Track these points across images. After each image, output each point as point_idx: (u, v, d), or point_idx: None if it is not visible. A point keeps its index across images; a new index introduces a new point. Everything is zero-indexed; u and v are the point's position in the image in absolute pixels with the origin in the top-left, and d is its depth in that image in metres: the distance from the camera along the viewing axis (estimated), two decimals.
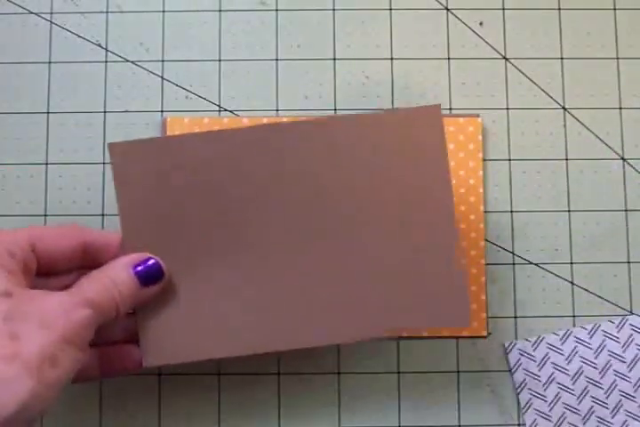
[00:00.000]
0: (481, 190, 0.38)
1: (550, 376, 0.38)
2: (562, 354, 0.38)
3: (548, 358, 0.38)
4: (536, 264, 0.39)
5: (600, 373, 0.38)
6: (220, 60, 0.40)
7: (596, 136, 0.40)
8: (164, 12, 0.40)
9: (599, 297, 0.39)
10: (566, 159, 0.40)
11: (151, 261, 0.33)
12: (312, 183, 0.34)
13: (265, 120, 0.39)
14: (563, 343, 0.38)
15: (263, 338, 0.33)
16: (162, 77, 0.40)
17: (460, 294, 0.33)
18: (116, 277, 0.31)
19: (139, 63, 0.40)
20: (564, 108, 0.40)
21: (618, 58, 0.40)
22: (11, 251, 0.29)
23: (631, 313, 0.39)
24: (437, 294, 0.33)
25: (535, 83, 0.40)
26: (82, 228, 0.33)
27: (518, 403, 0.38)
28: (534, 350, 0.38)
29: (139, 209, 0.34)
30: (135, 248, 0.33)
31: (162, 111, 0.40)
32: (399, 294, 0.33)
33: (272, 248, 0.34)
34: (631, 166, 0.40)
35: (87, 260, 0.33)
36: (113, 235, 0.34)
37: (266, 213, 0.34)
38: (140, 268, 0.32)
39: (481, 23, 0.41)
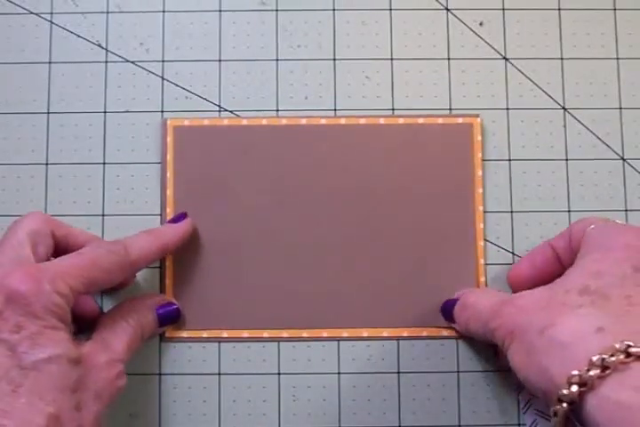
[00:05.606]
0: (481, 190, 0.38)
1: None
2: None
3: None
4: None
5: None
6: (219, 60, 0.40)
7: (596, 136, 0.40)
8: (164, 12, 0.40)
9: None
10: (566, 159, 0.40)
11: (173, 307, 0.36)
12: (347, 180, 0.38)
13: (264, 121, 0.39)
14: None
15: (295, 317, 0.38)
16: (162, 77, 0.40)
17: None
18: (144, 321, 0.35)
19: (139, 63, 0.40)
20: (563, 108, 0.40)
21: (618, 58, 0.40)
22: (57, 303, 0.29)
23: None
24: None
25: (535, 83, 0.40)
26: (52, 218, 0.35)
27: (518, 403, 0.38)
28: None
29: (189, 187, 0.38)
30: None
31: (162, 111, 0.40)
32: (419, 293, 0.38)
33: (306, 237, 0.38)
34: (631, 166, 0.40)
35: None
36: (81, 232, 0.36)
37: (309, 204, 0.38)
38: (161, 311, 0.36)
39: (481, 23, 0.41)
